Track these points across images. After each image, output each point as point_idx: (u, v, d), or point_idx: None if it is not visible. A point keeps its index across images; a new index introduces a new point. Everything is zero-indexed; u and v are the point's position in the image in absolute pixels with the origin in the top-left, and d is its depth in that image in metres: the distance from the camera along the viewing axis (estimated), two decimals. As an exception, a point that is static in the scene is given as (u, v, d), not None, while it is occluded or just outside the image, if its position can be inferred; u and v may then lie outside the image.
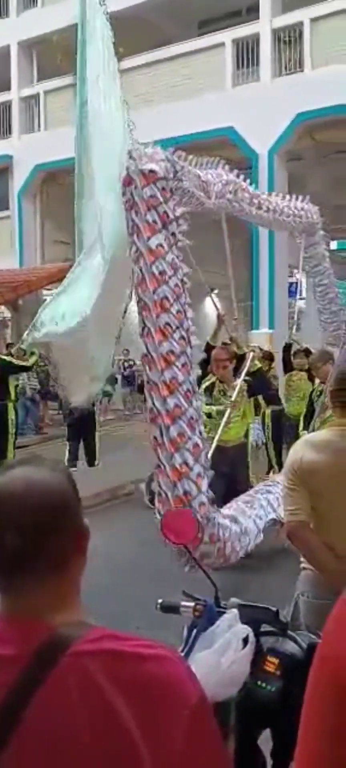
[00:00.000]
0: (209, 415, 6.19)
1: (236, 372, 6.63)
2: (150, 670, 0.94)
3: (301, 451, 2.51)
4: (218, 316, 6.70)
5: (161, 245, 4.47)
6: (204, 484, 4.46)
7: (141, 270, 4.52)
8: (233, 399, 6.14)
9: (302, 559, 2.58)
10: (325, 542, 2.40)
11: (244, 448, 6.50)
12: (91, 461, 9.45)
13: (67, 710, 0.90)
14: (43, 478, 1.02)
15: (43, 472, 1.03)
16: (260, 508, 5.73)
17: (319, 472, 2.42)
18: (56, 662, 0.92)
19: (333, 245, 23.99)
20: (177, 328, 4.53)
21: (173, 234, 4.59)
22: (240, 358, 6.71)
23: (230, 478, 6.07)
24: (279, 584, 5.58)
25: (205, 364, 6.55)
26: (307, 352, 8.63)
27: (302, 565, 2.56)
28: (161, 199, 4.48)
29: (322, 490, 2.42)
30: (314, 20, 13.76)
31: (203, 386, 6.42)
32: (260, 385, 6.76)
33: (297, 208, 7.41)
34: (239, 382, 6.24)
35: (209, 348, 6.64)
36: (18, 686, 0.92)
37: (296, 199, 7.54)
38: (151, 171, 4.44)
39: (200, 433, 4.58)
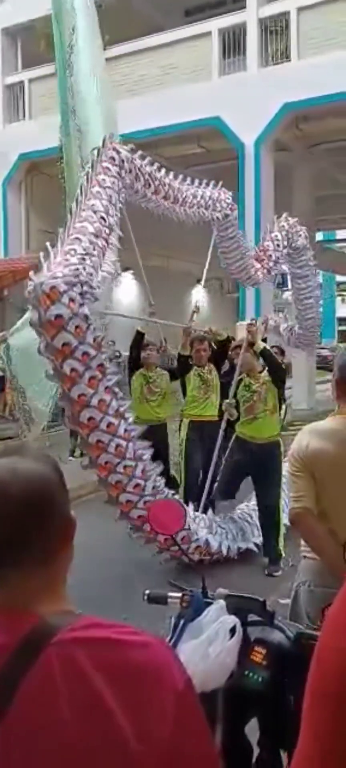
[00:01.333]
0: (237, 419, 6.15)
1: (220, 360, 6.70)
2: (136, 656, 0.94)
3: (306, 438, 2.51)
4: (184, 330, 6.61)
5: (75, 369, 4.35)
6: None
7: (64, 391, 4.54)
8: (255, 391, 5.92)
9: (303, 548, 2.58)
10: (328, 529, 2.41)
11: (275, 446, 5.93)
12: (72, 451, 9.52)
13: (53, 698, 0.90)
14: (30, 468, 1.01)
15: (30, 462, 1.02)
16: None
17: (324, 460, 2.43)
18: (42, 651, 0.92)
19: (319, 236, 24.09)
20: (110, 441, 4.64)
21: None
22: (222, 346, 6.73)
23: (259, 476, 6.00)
24: (263, 574, 5.64)
25: (184, 367, 6.74)
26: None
27: (304, 553, 2.55)
28: (76, 342, 4.29)
29: (326, 478, 2.43)
30: (300, 9, 13.73)
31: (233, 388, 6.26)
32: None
33: (205, 199, 6.23)
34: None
35: (181, 358, 6.72)
36: (3, 675, 0.91)
37: (214, 186, 6.44)
38: (58, 316, 4.20)
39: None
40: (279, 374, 6.06)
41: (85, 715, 0.89)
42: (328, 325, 42.00)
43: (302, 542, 2.60)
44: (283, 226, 7.18)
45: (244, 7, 14.49)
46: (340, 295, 42.12)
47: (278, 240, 7.03)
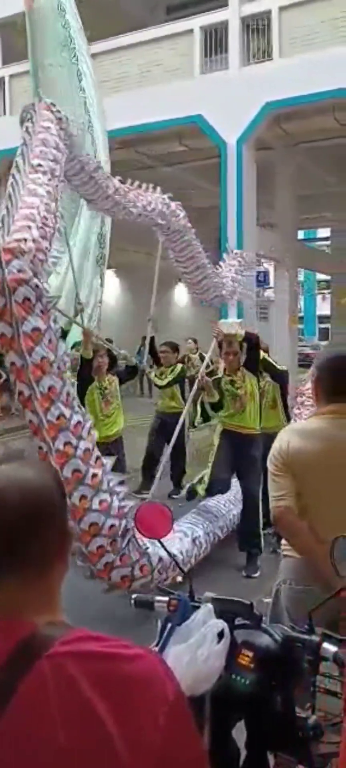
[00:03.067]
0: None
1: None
2: (128, 669, 0.94)
3: (287, 437, 2.54)
4: (84, 332, 6.23)
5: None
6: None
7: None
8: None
9: (283, 547, 2.61)
10: (308, 526, 2.44)
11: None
12: None
13: (45, 710, 0.90)
14: (29, 477, 1.00)
15: (30, 470, 1.01)
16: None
17: (304, 459, 2.46)
18: (36, 662, 0.92)
19: (300, 234, 24.27)
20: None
21: None
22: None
23: None
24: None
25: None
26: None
27: (284, 552, 2.58)
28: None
29: (307, 477, 2.46)
30: (282, 8, 13.79)
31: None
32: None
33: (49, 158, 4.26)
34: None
35: (84, 362, 6.21)
36: None
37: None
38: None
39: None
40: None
41: (77, 726, 0.89)
42: (309, 322, 42.35)
43: (283, 541, 2.64)
44: (157, 196, 5.63)
45: (226, 5, 14.52)
46: (321, 293, 42.42)
47: (148, 203, 5.48)
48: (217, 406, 5.91)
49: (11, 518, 0.96)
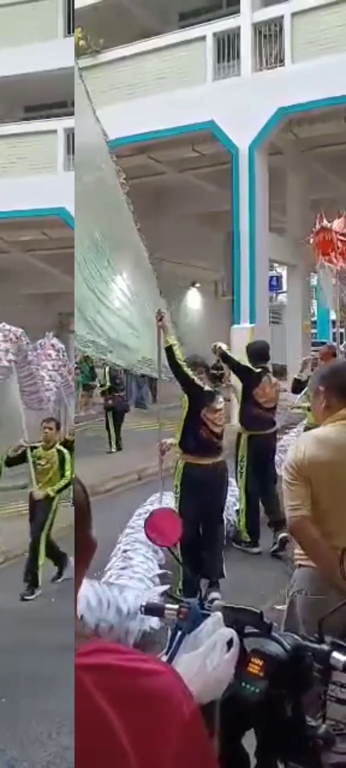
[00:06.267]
0: None
1: None
2: (144, 684, 0.94)
3: (303, 445, 2.55)
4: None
5: None
6: None
7: None
8: None
9: (297, 556, 2.60)
10: (323, 533, 2.44)
11: None
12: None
13: None
14: None
15: None
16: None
17: (320, 466, 2.46)
18: None
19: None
20: None
21: None
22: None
23: None
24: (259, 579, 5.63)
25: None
26: None
27: (298, 561, 2.58)
28: None
29: (323, 484, 2.46)
30: (294, 14, 13.79)
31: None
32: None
33: None
34: None
35: None
36: None
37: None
38: None
39: None
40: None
41: (91, 738, 0.89)
42: (323, 326, 42.13)
43: (297, 550, 2.63)
44: None
45: (238, 11, 14.54)
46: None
47: None
48: None
49: None
